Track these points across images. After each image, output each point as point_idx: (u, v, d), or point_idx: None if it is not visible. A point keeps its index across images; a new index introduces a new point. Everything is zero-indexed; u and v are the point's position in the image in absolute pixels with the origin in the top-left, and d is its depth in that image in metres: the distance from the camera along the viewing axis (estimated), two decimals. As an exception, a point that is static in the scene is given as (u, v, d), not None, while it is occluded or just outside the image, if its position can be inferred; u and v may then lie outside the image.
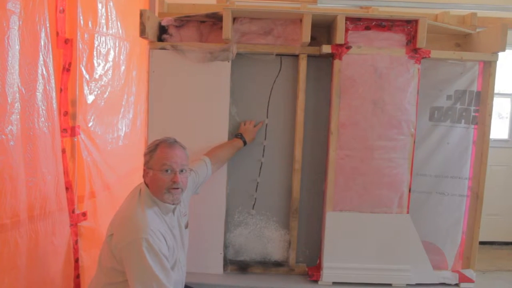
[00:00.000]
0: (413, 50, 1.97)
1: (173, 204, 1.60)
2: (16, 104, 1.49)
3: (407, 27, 1.98)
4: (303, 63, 2.03)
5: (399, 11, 2.70)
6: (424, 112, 2.10)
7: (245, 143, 2.04)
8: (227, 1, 2.42)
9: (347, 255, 2.03)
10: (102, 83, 2.15)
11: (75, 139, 1.91)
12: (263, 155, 2.13)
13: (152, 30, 1.96)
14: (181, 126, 2.03)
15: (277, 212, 2.16)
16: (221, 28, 1.95)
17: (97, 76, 2.10)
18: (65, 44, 1.83)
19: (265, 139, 2.13)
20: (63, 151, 1.83)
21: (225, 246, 2.14)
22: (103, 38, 2.13)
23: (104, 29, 2.14)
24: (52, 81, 1.69)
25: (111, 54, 2.23)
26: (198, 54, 2.00)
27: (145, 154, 1.61)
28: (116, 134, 2.35)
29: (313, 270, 2.10)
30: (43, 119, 1.65)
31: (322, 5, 2.65)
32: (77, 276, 1.96)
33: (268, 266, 2.15)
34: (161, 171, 1.55)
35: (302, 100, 2.05)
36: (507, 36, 1.96)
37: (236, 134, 2.06)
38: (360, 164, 2.00)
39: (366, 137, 1.99)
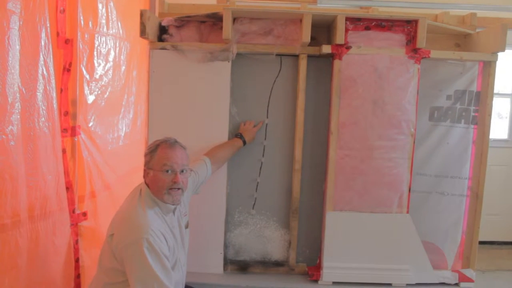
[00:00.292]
0: (413, 50, 1.98)
1: (173, 204, 1.60)
2: (17, 104, 1.49)
3: (407, 27, 1.98)
4: (303, 63, 2.03)
5: (399, 11, 2.70)
6: (424, 112, 2.11)
7: (244, 142, 2.04)
8: (227, 1, 2.42)
9: (347, 255, 2.03)
10: (103, 83, 2.16)
11: (76, 139, 1.91)
12: (263, 155, 2.14)
13: (152, 30, 1.97)
14: (181, 126, 2.03)
15: (277, 212, 2.16)
16: (221, 28, 1.95)
17: (97, 76, 2.10)
18: (65, 44, 1.84)
19: (265, 139, 2.13)
20: (64, 151, 1.84)
21: (225, 246, 2.14)
22: (104, 38, 2.14)
23: (105, 29, 2.14)
24: (53, 81, 1.69)
25: (112, 54, 2.23)
26: (198, 54, 2.01)
27: (146, 155, 1.62)
28: (117, 134, 2.36)
29: (313, 269, 2.10)
30: (43, 119, 1.65)
31: (322, 5, 2.65)
32: (78, 276, 1.97)
33: (268, 265, 2.15)
34: (161, 172, 1.55)
35: (302, 100, 2.05)
36: (506, 36, 1.96)
37: (236, 133, 2.07)
38: (360, 164, 2.01)
39: (366, 137, 2.00)
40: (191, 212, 1.87)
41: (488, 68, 2.06)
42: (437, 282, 2.07)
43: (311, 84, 2.09)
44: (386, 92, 1.98)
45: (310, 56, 2.04)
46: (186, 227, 1.75)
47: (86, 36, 1.96)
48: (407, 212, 2.03)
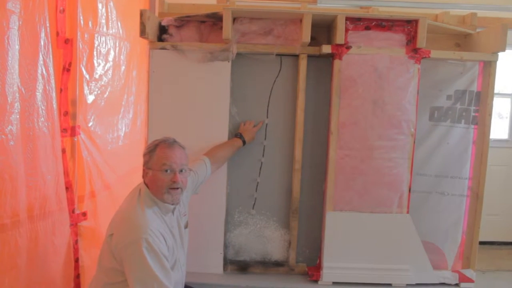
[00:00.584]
0: (413, 50, 1.97)
1: (172, 204, 1.60)
2: (16, 104, 1.49)
3: (407, 27, 1.98)
4: (303, 63, 2.03)
5: (399, 11, 2.70)
6: (424, 112, 2.10)
7: (244, 142, 2.04)
8: (227, 1, 2.42)
9: (347, 255, 2.03)
10: (102, 83, 2.15)
11: (75, 139, 1.91)
12: (263, 155, 2.13)
13: (152, 30, 1.96)
14: (181, 126, 2.03)
15: (277, 212, 2.16)
16: (221, 28, 1.95)
17: (97, 76, 2.10)
18: (65, 44, 1.83)
19: (265, 139, 2.13)
20: (63, 151, 1.84)
21: (225, 246, 2.14)
22: (103, 38, 2.13)
23: (104, 29, 2.14)
24: (52, 81, 1.69)
25: (111, 54, 2.23)
26: (198, 54, 2.00)
27: (145, 154, 1.61)
28: (116, 134, 2.35)
29: (313, 270, 2.10)
30: (43, 119, 1.65)
31: (322, 5, 2.65)
32: (77, 276, 1.96)
33: (268, 266, 2.15)
34: (160, 171, 1.55)
35: (302, 100, 2.05)
36: (507, 36, 1.96)
37: (235, 133, 2.06)
38: (360, 164, 2.00)
39: (366, 137, 1.99)
40: (191, 212, 1.87)
41: (488, 68, 2.06)
42: (437, 282, 2.07)
43: (311, 84, 2.09)
44: (386, 92, 1.98)
45: (310, 56, 2.04)
46: (186, 227, 1.74)
47: (86, 36, 1.96)
48: (407, 212, 2.03)
